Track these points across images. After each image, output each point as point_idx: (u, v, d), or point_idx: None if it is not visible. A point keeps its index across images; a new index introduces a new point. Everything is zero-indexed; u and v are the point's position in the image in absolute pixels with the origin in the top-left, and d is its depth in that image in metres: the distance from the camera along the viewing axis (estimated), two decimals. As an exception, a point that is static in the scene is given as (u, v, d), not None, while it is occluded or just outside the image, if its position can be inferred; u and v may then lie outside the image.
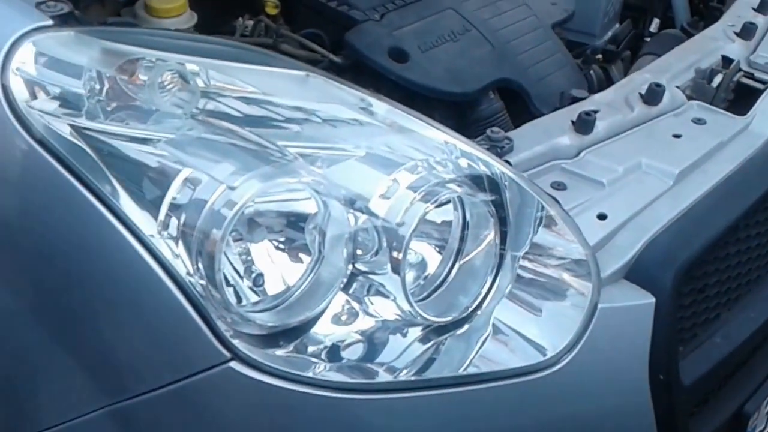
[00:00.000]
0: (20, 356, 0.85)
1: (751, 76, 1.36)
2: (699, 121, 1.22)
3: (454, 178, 0.89)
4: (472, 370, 0.89)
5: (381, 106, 0.93)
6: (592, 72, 1.62)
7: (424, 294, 0.92)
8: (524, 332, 0.92)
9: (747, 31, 1.43)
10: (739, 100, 1.36)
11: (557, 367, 0.91)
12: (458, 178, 0.90)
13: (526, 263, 0.94)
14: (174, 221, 0.79)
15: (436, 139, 0.92)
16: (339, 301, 0.88)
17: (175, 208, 0.79)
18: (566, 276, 0.93)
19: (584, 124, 1.13)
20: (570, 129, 1.14)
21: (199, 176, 0.80)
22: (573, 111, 1.17)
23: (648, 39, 1.68)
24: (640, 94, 1.23)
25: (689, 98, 1.29)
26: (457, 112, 1.37)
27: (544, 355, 0.91)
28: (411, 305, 0.86)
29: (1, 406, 0.88)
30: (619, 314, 0.96)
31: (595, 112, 1.17)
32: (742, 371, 1.19)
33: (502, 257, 0.93)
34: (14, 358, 0.86)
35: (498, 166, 0.92)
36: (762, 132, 1.22)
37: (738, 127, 1.22)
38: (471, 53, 1.34)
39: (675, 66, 1.33)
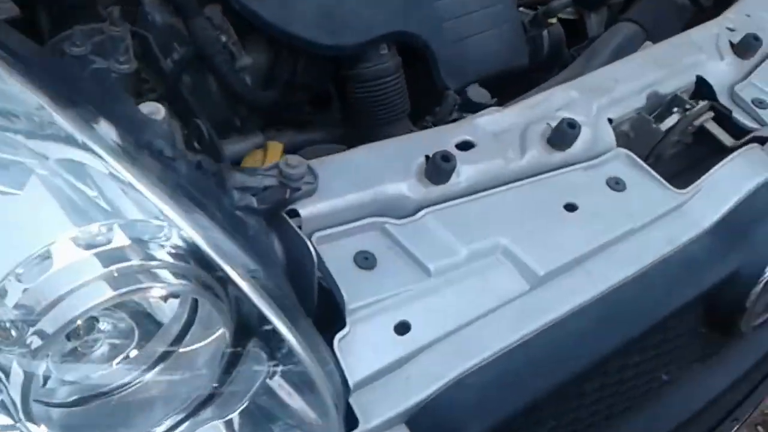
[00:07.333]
0: None
1: (725, 117, 1.07)
2: (616, 185, 0.95)
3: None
4: None
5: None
6: (545, 33, 1.33)
7: None
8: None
9: (746, 46, 1.12)
10: (698, 147, 1.08)
11: None
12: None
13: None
14: None
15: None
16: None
17: None
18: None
19: (438, 172, 0.86)
20: (417, 172, 0.87)
21: None
22: (434, 140, 0.89)
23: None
24: (548, 124, 0.95)
25: (624, 138, 1.02)
26: (334, 69, 1.14)
27: None
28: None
29: None
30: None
31: (470, 147, 0.90)
32: None
33: None
34: None
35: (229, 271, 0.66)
36: (698, 220, 0.96)
37: (668, 206, 0.95)
38: (363, -9, 1.07)
39: (623, 84, 1.03)
